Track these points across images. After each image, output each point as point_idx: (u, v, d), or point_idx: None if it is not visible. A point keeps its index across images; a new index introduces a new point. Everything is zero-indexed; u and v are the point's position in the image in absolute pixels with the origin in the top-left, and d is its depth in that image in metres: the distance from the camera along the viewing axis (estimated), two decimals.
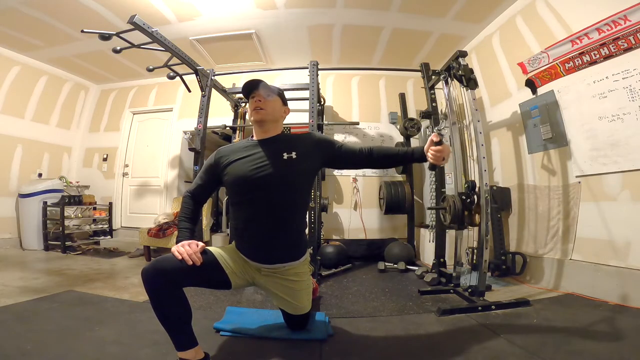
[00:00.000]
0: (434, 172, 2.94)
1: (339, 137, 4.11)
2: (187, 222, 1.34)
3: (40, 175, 4.19)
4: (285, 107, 1.45)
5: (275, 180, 1.27)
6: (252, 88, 1.37)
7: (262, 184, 1.26)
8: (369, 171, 4.05)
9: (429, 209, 2.75)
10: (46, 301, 1.89)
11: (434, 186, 2.93)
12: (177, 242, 1.22)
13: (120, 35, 2.34)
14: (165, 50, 2.58)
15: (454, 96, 2.48)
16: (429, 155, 1.23)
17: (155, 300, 1.10)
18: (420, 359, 1.34)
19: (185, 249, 1.15)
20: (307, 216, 2.76)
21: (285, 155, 1.30)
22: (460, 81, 2.22)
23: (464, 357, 1.32)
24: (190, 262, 1.12)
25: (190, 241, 1.20)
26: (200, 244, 1.23)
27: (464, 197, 2.13)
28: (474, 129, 2.10)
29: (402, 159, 1.42)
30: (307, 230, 1.47)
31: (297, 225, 1.36)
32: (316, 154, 1.37)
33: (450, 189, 2.80)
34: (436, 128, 2.71)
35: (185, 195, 1.41)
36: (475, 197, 2.09)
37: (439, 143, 1.20)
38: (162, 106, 4.59)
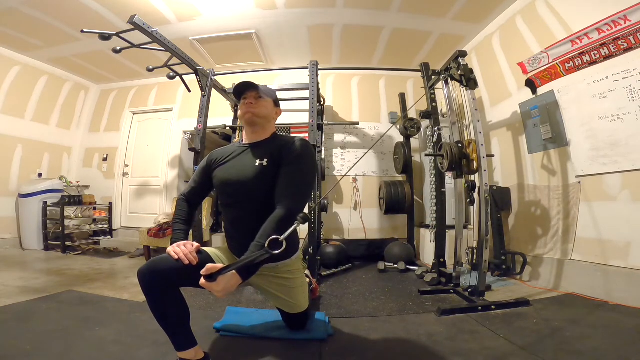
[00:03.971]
0: (434, 173, 2.94)
1: (339, 137, 4.12)
2: (181, 224, 1.35)
3: (40, 175, 4.19)
4: (277, 109, 1.45)
5: (248, 186, 1.27)
6: (243, 89, 1.37)
7: (238, 188, 1.29)
8: (368, 171, 4.05)
9: (426, 155, 2.66)
10: (46, 301, 1.89)
11: (434, 186, 2.93)
12: (171, 244, 1.22)
13: (120, 35, 2.34)
14: (165, 50, 2.58)
15: (454, 96, 2.48)
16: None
17: (152, 300, 1.10)
18: (420, 359, 1.34)
19: (181, 249, 1.15)
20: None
21: (258, 162, 1.28)
22: (460, 81, 2.22)
23: (464, 357, 1.32)
24: (187, 262, 1.12)
25: (185, 242, 1.21)
26: (195, 244, 1.23)
27: (460, 145, 2.14)
28: (474, 129, 2.10)
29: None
30: (302, 231, 1.44)
31: None
32: (280, 160, 1.26)
33: (450, 188, 2.80)
34: (436, 128, 2.71)
35: (180, 198, 1.43)
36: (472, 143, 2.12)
37: (210, 277, 0.96)
38: (162, 106, 4.59)
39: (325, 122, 3.96)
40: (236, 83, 1.40)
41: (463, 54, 2.24)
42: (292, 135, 1.44)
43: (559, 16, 2.49)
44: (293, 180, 1.21)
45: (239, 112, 1.39)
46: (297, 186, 1.21)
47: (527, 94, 2.76)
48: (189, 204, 1.41)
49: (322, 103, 3.83)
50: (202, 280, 0.98)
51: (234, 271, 1.00)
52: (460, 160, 2.15)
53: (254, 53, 3.92)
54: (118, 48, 2.53)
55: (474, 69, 2.46)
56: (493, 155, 2.97)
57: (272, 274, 1.37)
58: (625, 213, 2.01)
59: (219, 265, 0.99)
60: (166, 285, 1.10)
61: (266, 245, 0.99)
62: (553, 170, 2.55)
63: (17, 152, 3.97)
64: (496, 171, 3.20)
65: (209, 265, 0.99)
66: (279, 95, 3.23)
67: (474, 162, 2.08)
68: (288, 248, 1.34)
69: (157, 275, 1.09)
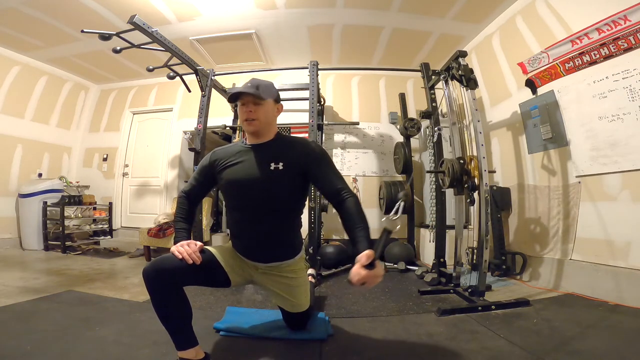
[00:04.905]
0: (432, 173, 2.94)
1: (339, 137, 4.12)
2: (183, 223, 1.34)
3: (40, 175, 4.19)
4: (278, 105, 1.37)
5: (261, 190, 1.26)
6: (239, 95, 1.27)
7: (249, 192, 1.27)
8: (368, 171, 4.05)
9: (428, 172, 2.74)
10: (46, 301, 1.89)
11: (434, 186, 2.93)
12: (174, 243, 1.22)
13: (120, 35, 2.34)
14: (165, 50, 2.58)
15: (454, 96, 2.48)
16: (350, 272, 1.00)
17: (156, 299, 1.10)
18: (420, 359, 1.34)
19: (184, 249, 1.16)
20: (307, 216, 2.77)
21: (272, 166, 1.26)
22: (460, 81, 2.22)
23: (464, 357, 1.32)
24: (190, 261, 1.13)
25: (188, 241, 1.21)
26: (199, 243, 1.24)
27: (461, 162, 2.14)
28: (474, 129, 2.10)
29: (350, 237, 1.17)
30: (302, 232, 1.46)
31: (289, 229, 1.36)
32: (301, 163, 1.29)
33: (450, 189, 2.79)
34: (436, 128, 2.71)
35: (180, 196, 1.41)
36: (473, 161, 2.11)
37: (370, 266, 0.97)
38: (162, 106, 4.59)
39: (325, 122, 3.96)
40: (236, 83, 1.37)
41: (463, 54, 2.24)
42: (293, 135, 1.40)
43: (559, 16, 2.49)
44: (335, 174, 1.29)
45: (239, 116, 1.35)
46: (341, 178, 1.30)
47: (527, 94, 2.76)
48: (190, 202, 1.40)
49: (322, 103, 3.83)
50: (364, 272, 0.96)
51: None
52: (462, 176, 2.14)
53: (254, 53, 3.91)
54: (118, 48, 2.53)
55: (474, 69, 2.45)
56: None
57: (275, 273, 1.38)
58: (625, 213, 2.01)
59: (371, 252, 0.99)
60: (171, 285, 1.11)
61: (370, 254, 1.00)
62: (553, 170, 2.55)
63: (17, 152, 3.97)
64: (496, 171, 3.20)
65: (365, 253, 0.99)
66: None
67: (476, 179, 2.08)
68: (293, 248, 1.38)
69: (162, 275, 1.09)
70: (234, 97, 1.28)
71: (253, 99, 1.25)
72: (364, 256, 0.99)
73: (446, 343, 1.46)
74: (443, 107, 2.89)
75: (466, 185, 2.14)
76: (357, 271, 0.98)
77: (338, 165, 3.98)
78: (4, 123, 3.84)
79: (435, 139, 2.74)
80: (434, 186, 2.96)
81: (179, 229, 1.32)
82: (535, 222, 2.66)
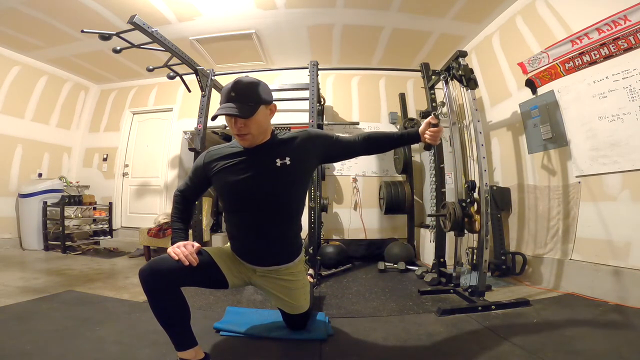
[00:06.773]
0: (434, 173, 2.95)
1: None
2: (180, 223, 1.33)
3: (40, 175, 4.19)
4: (271, 106, 1.25)
5: (267, 191, 1.23)
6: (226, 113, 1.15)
7: (253, 194, 1.23)
8: (368, 171, 4.05)
9: (429, 215, 2.82)
10: (46, 301, 1.90)
11: (434, 186, 2.93)
12: (172, 244, 1.21)
13: (120, 35, 2.34)
14: (165, 50, 2.58)
15: (454, 96, 2.48)
16: (427, 136, 1.31)
17: (153, 300, 1.10)
18: (420, 359, 1.34)
19: (181, 250, 1.14)
20: (307, 216, 2.77)
21: (279, 162, 1.22)
22: (460, 81, 2.22)
23: (464, 357, 1.32)
24: (187, 263, 1.11)
25: (185, 242, 1.20)
26: (196, 244, 1.22)
27: (463, 205, 2.14)
28: (474, 129, 2.10)
29: (398, 141, 1.42)
30: (302, 232, 1.45)
31: (291, 232, 1.35)
32: (312, 152, 1.29)
33: (450, 188, 2.80)
34: (433, 113, 2.70)
35: (176, 195, 1.38)
36: (476, 203, 2.10)
37: (436, 125, 1.29)
38: (162, 106, 4.59)
39: (325, 122, 3.95)
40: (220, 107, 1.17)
41: (463, 54, 2.23)
42: (288, 132, 1.37)
43: (559, 16, 2.48)
44: (342, 138, 1.39)
45: (229, 127, 1.23)
46: (347, 136, 1.40)
47: (527, 94, 2.76)
48: (186, 201, 1.38)
49: (322, 103, 3.83)
50: (436, 128, 1.29)
51: None
52: (463, 219, 2.13)
53: (254, 53, 3.91)
54: (118, 48, 2.53)
55: (474, 69, 2.45)
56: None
57: (274, 276, 1.37)
58: (625, 213, 2.01)
59: (434, 115, 1.30)
60: (167, 285, 1.10)
61: (435, 116, 1.31)
62: (553, 170, 2.55)
63: (17, 152, 3.97)
64: (496, 171, 3.20)
65: (431, 116, 1.30)
66: (279, 95, 3.18)
67: (477, 223, 2.08)
68: (293, 251, 1.39)
69: (159, 275, 1.08)
70: (219, 115, 1.16)
71: (242, 113, 1.14)
72: (431, 117, 1.29)
73: (446, 343, 1.46)
74: (443, 107, 2.89)
75: (467, 202, 2.13)
76: (432, 131, 1.29)
77: (338, 166, 4.04)
78: (4, 123, 3.83)
79: None
80: (434, 186, 2.96)
81: (176, 229, 1.30)
82: (535, 222, 2.66)
